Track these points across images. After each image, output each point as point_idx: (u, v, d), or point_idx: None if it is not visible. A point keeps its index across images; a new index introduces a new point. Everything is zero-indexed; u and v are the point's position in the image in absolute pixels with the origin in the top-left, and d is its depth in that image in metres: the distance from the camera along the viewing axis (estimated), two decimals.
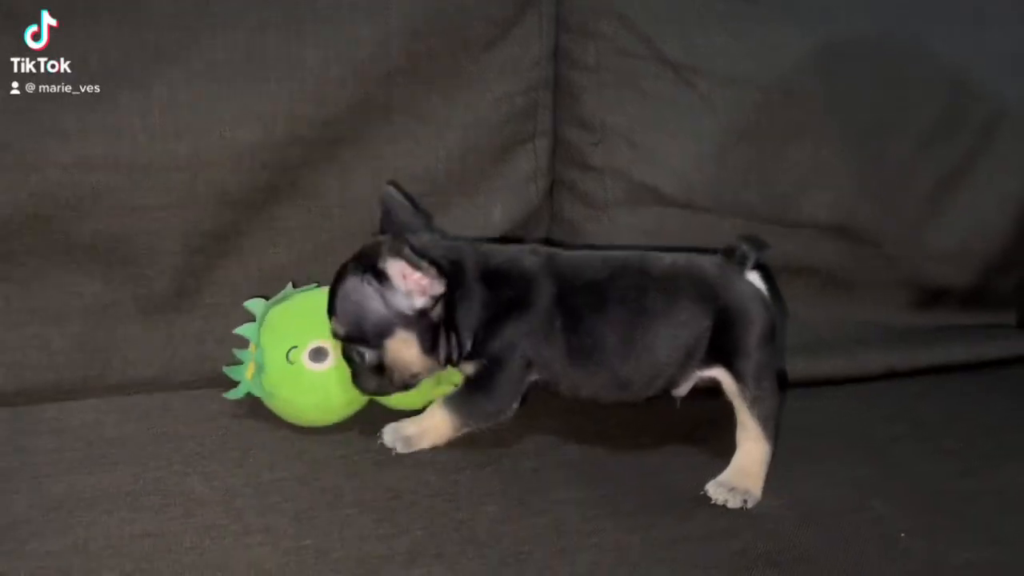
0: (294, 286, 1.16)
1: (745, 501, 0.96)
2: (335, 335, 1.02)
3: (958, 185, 1.44)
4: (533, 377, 1.02)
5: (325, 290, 1.10)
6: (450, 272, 0.98)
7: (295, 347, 1.07)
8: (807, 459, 1.07)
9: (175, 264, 1.16)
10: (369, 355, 1.00)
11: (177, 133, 1.11)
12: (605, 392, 1.03)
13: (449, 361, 1.02)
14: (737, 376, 1.00)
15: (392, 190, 1.08)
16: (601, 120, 1.29)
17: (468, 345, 1.01)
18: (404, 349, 0.99)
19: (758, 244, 1.06)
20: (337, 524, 0.90)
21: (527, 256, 1.04)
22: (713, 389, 1.04)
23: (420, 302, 0.97)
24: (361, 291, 0.98)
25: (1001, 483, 1.04)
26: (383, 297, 0.97)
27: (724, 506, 0.96)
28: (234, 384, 1.11)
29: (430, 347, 0.99)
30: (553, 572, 0.84)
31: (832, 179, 1.38)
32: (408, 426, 1.03)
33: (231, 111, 1.13)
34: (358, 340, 1.00)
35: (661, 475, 1.02)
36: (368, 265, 0.98)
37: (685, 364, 1.01)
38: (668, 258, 1.03)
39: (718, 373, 1.01)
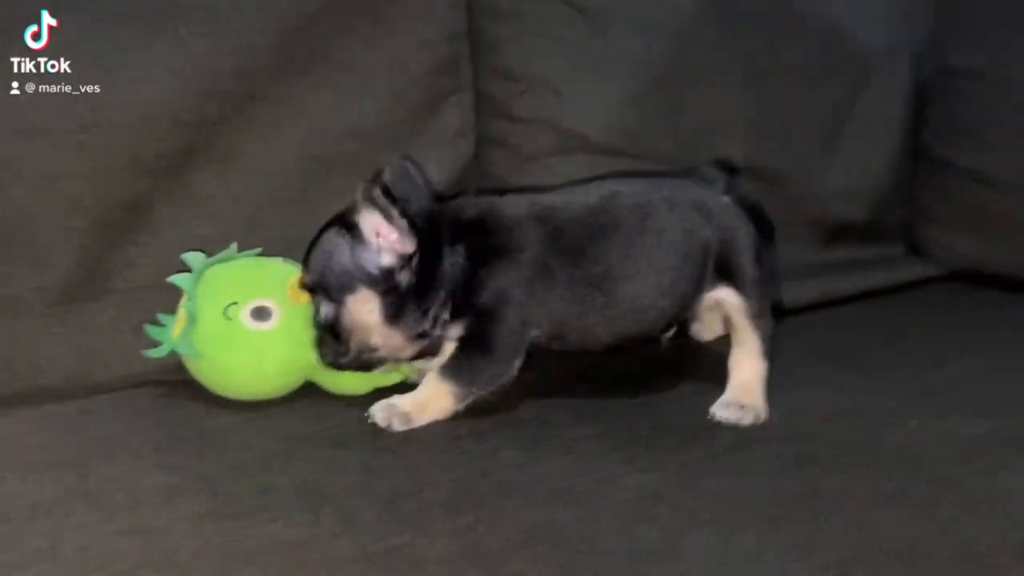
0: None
1: (757, 416, 0.94)
2: (303, 285, 0.94)
3: (844, 126, 1.51)
4: (534, 333, 0.94)
5: (273, 259, 1.03)
6: (422, 232, 0.90)
7: (235, 303, 0.96)
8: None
9: (83, 244, 1.00)
10: (325, 309, 0.92)
11: (78, 89, 0.96)
12: (621, 328, 0.96)
13: (419, 337, 0.94)
14: (742, 292, 0.97)
15: (408, 164, 0.98)
16: (523, 69, 1.25)
17: (444, 314, 0.93)
18: (364, 310, 0.91)
19: (729, 168, 1.05)
20: (352, 490, 0.79)
21: (506, 202, 0.97)
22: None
23: (387, 260, 0.90)
24: (333, 241, 0.92)
25: (968, 369, 1.11)
26: (352, 250, 0.91)
27: (736, 426, 0.93)
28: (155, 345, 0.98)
29: (392, 315, 0.92)
30: (605, 497, 0.77)
31: (737, 122, 1.40)
32: (404, 402, 0.92)
33: (139, 63, 0.99)
34: (321, 291, 0.93)
35: (666, 406, 0.99)
36: (345, 217, 0.92)
37: (699, 283, 0.97)
38: (656, 181, 1.01)
39: (723, 293, 0.98)
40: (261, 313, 0.96)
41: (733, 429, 0.93)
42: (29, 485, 0.80)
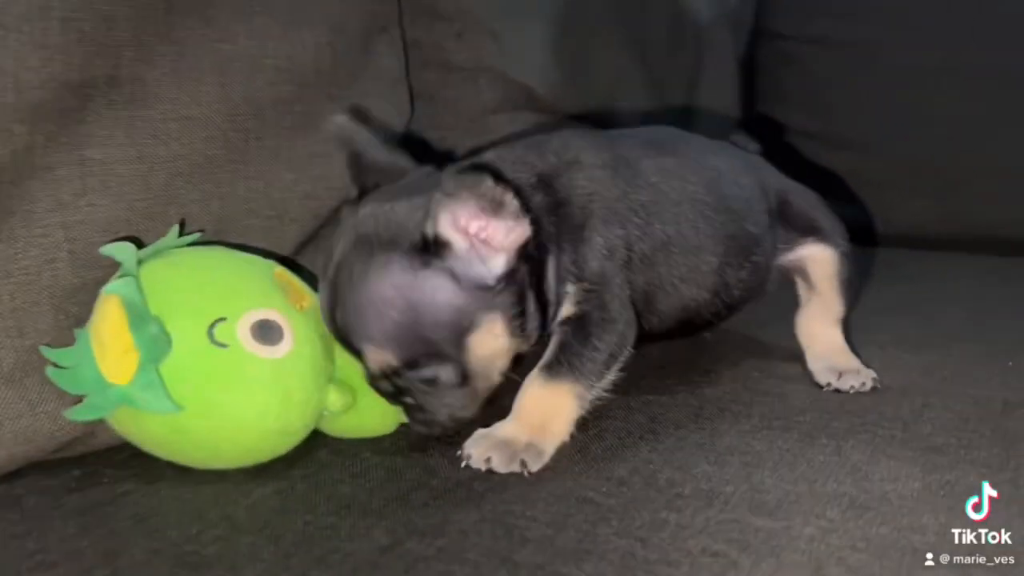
0: None
1: (875, 380, 0.80)
2: (376, 374, 0.64)
3: (696, 91, 1.47)
4: None
5: (218, 249, 0.71)
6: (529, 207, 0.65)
7: (222, 319, 0.61)
8: None
9: None
10: (445, 374, 0.64)
11: None
12: (689, 301, 0.77)
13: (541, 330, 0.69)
14: (835, 249, 0.84)
15: (344, 120, 0.72)
16: (456, 6, 0.99)
17: (565, 289, 0.69)
18: (490, 341, 0.65)
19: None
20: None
21: (571, 142, 0.75)
22: None
23: (500, 263, 0.63)
24: (417, 285, 0.62)
25: (943, 314, 1.06)
26: (453, 278, 0.62)
27: (859, 392, 0.79)
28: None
29: (520, 326, 0.66)
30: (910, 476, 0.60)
31: (626, 84, 1.29)
32: (512, 430, 0.65)
33: None
34: (426, 361, 0.63)
35: (770, 388, 0.81)
36: (406, 242, 0.62)
37: (772, 248, 0.83)
38: (709, 144, 0.87)
39: (813, 249, 0.84)
40: (268, 331, 0.63)
41: (876, 396, 0.78)
42: None
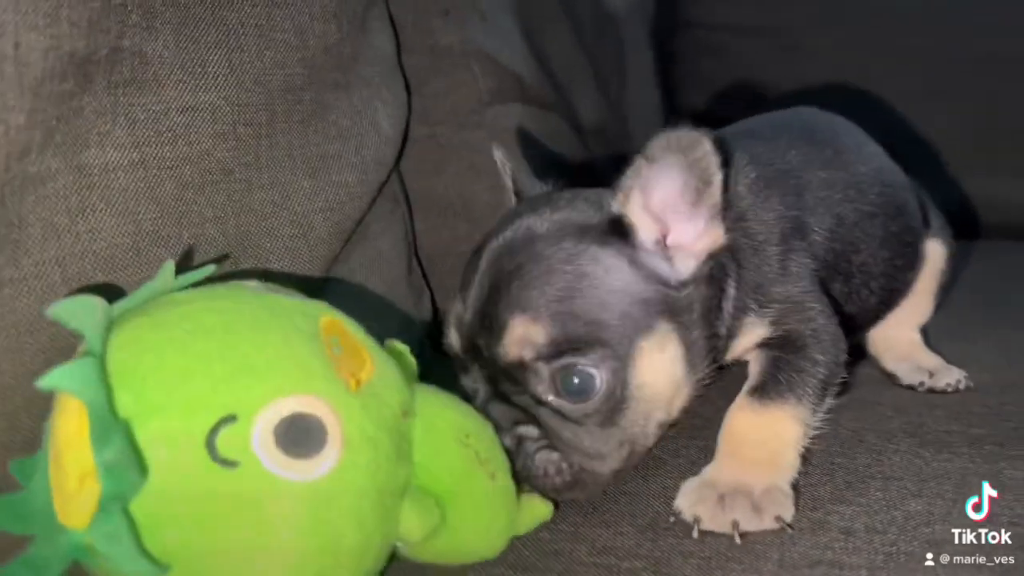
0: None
1: (968, 377, 0.74)
2: (511, 363, 0.50)
3: (627, 79, 1.39)
4: None
5: (245, 284, 0.48)
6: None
7: (230, 419, 0.40)
8: None
9: None
10: (603, 375, 0.50)
11: None
12: (887, 280, 0.71)
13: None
14: (947, 247, 0.78)
15: (501, 153, 0.64)
16: None
17: (746, 319, 0.59)
18: (662, 361, 0.52)
19: None
20: None
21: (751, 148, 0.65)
22: None
23: (688, 267, 0.53)
24: (591, 257, 0.51)
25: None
26: (635, 265, 0.52)
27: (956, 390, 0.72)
28: None
29: (692, 357, 0.54)
30: None
31: (578, 75, 1.19)
32: (737, 471, 0.52)
33: None
34: (584, 346, 0.49)
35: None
36: (581, 221, 0.52)
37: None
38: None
39: (934, 246, 0.78)
40: (302, 433, 0.41)
41: (971, 394, 0.71)
42: None
